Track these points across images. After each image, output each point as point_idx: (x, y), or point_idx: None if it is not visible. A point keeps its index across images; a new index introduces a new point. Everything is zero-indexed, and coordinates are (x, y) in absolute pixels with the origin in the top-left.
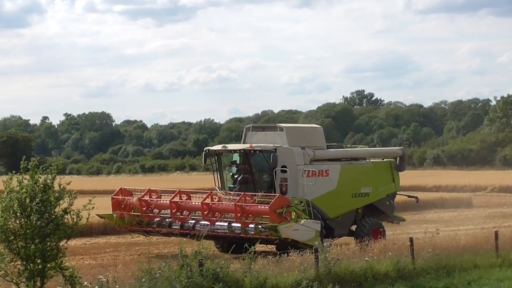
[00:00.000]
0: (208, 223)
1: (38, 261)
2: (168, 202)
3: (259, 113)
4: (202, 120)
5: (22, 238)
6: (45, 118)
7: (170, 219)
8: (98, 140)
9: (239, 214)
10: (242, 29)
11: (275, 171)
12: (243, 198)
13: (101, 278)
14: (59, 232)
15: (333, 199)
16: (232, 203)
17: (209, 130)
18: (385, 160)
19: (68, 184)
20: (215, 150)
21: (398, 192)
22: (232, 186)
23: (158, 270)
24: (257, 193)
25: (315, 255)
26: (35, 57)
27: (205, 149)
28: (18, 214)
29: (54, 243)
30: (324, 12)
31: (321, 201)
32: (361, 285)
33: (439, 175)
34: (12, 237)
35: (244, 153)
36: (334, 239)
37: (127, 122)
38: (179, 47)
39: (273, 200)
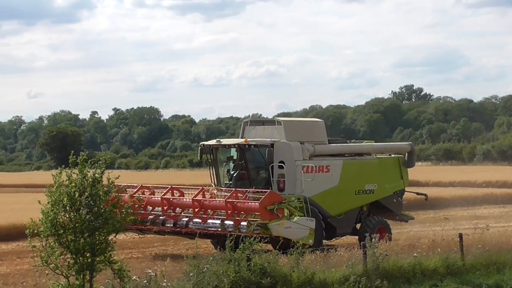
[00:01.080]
0: (200, 220)
1: (87, 255)
2: (159, 199)
3: (307, 107)
4: (250, 115)
5: (71, 232)
6: (94, 112)
7: (163, 217)
8: (147, 135)
9: (229, 211)
10: (291, 24)
11: (272, 166)
12: (234, 195)
13: (149, 272)
14: (108, 226)
15: (334, 196)
16: (223, 200)
17: None
18: (392, 156)
19: (117, 178)
20: (210, 145)
21: (406, 190)
22: (228, 182)
23: (206, 265)
24: (249, 189)
25: (363, 250)
26: (85, 52)
27: (200, 144)
28: (68, 208)
29: (103, 237)
30: (374, 6)
31: (321, 198)
32: (409, 281)
33: (489, 171)
34: (62, 231)
35: (239, 148)
36: (336, 238)
37: (175, 117)
38: (228, 42)
39: (263, 197)
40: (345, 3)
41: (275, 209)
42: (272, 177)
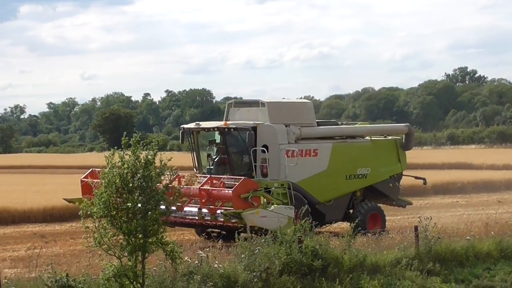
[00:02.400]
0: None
1: (140, 236)
2: None
3: (360, 90)
4: (302, 97)
5: (124, 213)
6: (146, 94)
7: None
8: (199, 117)
9: (204, 199)
10: (344, 6)
11: (254, 151)
12: (209, 182)
13: (201, 254)
14: (160, 208)
15: (323, 182)
16: (197, 187)
17: None
18: (389, 138)
19: (169, 160)
20: (189, 129)
21: (404, 173)
22: (210, 167)
23: (257, 247)
24: (224, 176)
25: (416, 233)
26: (138, 34)
27: (181, 126)
28: (120, 189)
29: (155, 219)
30: None
31: (308, 184)
32: (462, 264)
33: None
34: (115, 212)
35: (219, 132)
36: (326, 225)
37: (228, 99)
38: (280, 24)
39: (237, 184)
40: None
41: (249, 197)
42: (255, 162)
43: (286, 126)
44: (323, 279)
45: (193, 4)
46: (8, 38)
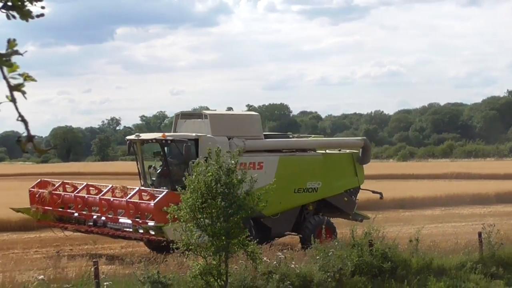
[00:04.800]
0: (109, 221)
1: (223, 238)
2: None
3: (426, 105)
4: (372, 111)
5: (208, 216)
6: (229, 108)
7: (77, 215)
8: (277, 129)
9: (131, 211)
10: (412, 27)
11: (192, 163)
12: (138, 194)
13: (279, 255)
14: (241, 212)
15: (269, 195)
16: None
17: (379, 121)
18: (343, 152)
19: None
20: (130, 140)
21: (362, 187)
22: (153, 179)
23: (331, 249)
24: (152, 189)
25: (479, 239)
26: (222, 53)
27: (126, 138)
28: (205, 195)
29: (237, 222)
30: (491, 9)
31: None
32: None
33: None
34: (200, 216)
35: (159, 144)
36: (274, 240)
37: (303, 113)
38: (352, 44)
39: (159, 197)
40: (464, 7)
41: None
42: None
43: (229, 139)
44: (392, 280)
45: (273, 26)
46: (106, 57)
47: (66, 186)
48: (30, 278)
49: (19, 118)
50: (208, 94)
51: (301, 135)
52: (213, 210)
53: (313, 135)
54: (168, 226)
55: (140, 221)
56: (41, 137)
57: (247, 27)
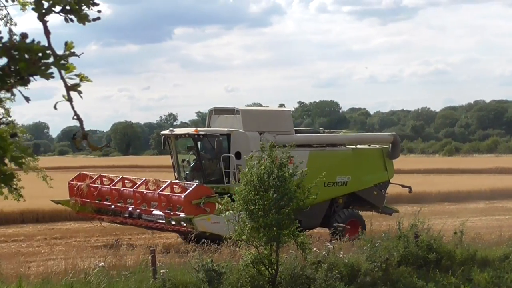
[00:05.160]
0: (143, 213)
1: (274, 229)
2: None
3: (472, 102)
4: (419, 108)
5: (261, 208)
6: (281, 105)
7: (113, 207)
8: (327, 125)
9: (163, 204)
10: (459, 27)
11: (223, 157)
12: (169, 187)
13: (328, 245)
14: (292, 204)
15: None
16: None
17: (425, 117)
18: (374, 147)
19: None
20: (164, 135)
21: (392, 182)
22: (187, 173)
23: (378, 240)
24: (184, 182)
25: None
26: (275, 52)
27: (161, 133)
28: (258, 187)
29: (288, 214)
30: None
31: None
32: None
33: None
34: (252, 207)
35: (191, 139)
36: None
37: (352, 110)
38: (400, 43)
39: (189, 190)
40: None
41: (202, 203)
42: (226, 168)
43: (260, 134)
44: (437, 270)
45: (323, 26)
46: (164, 56)
47: (103, 179)
48: (91, 265)
49: (75, 117)
50: (261, 91)
51: (332, 131)
52: (265, 202)
53: (343, 131)
54: (198, 218)
55: (172, 213)
56: (102, 131)
57: (299, 27)
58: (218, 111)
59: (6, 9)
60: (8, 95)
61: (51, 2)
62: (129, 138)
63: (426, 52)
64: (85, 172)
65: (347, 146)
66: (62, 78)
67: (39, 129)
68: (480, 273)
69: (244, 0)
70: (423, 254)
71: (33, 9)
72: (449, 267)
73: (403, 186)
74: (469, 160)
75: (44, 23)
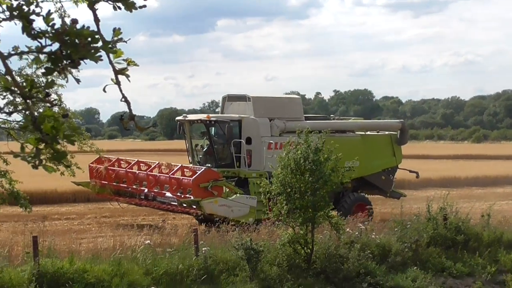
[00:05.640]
0: (158, 195)
1: (310, 210)
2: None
3: (500, 91)
4: (449, 97)
5: (297, 191)
6: (318, 93)
7: (129, 189)
8: (361, 113)
9: (174, 187)
10: (489, 20)
11: (234, 143)
12: (180, 170)
13: (361, 226)
14: (326, 187)
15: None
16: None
17: (455, 106)
18: (382, 133)
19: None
20: (178, 120)
21: (400, 167)
22: (200, 157)
23: (408, 222)
24: (191, 166)
25: None
26: (312, 43)
27: (176, 119)
28: (294, 171)
29: (323, 196)
30: None
31: None
32: None
33: None
34: (289, 190)
35: (204, 124)
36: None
37: (385, 98)
38: (432, 35)
39: (197, 174)
40: None
41: (209, 186)
42: (236, 153)
43: (270, 120)
44: (465, 251)
45: (359, 19)
46: (208, 47)
47: (121, 162)
48: (138, 242)
49: (123, 99)
50: (299, 80)
51: (341, 117)
52: (301, 185)
53: (352, 118)
54: (206, 201)
55: (182, 196)
56: (149, 117)
57: (336, 20)
58: (232, 98)
59: (60, 2)
60: (63, 81)
61: None
62: (174, 124)
63: (457, 43)
64: (105, 155)
65: (356, 133)
66: (110, 62)
67: (90, 114)
68: (506, 254)
69: None
70: (451, 235)
71: None
72: (476, 249)
73: (410, 171)
74: (496, 146)
75: (94, 11)
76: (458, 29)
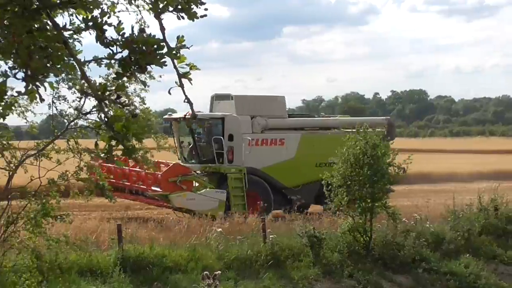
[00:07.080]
0: (143, 191)
1: (368, 201)
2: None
3: None
4: (500, 96)
5: (356, 183)
6: (376, 93)
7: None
8: (416, 111)
9: (150, 181)
10: None
11: (215, 139)
12: (156, 165)
13: (415, 216)
14: (384, 180)
15: (290, 168)
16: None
17: (506, 104)
18: (369, 130)
19: (392, 143)
20: (165, 119)
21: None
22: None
23: (461, 212)
24: (166, 161)
25: None
26: (371, 47)
27: (163, 117)
28: (354, 165)
29: (381, 188)
30: None
31: (274, 170)
32: None
33: None
34: (349, 182)
35: (185, 123)
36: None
37: (439, 97)
38: (484, 38)
39: (166, 169)
40: None
41: (178, 181)
42: (219, 150)
43: (252, 118)
44: None
45: (414, 24)
46: (274, 52)
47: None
48: (211, 230)
49: (185, 100)
50: (358, 81)
51: (326, 115)
52: (360, 178)
53: (338, 115)
54: (174, 195)
55: (151, 190)
56: None
57: (393, 25)
58: (219, 97)
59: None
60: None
61: (165, 2)
62: None
63: (508, 45)
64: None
65: (341, 130)
66: (174, 67)
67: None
68: None
69: (344, 2)
70: (502, 225)
71: (150, 8)
72: None
73: (399, 167)
74: None
75: (160, 20)
76: (509, 32)
